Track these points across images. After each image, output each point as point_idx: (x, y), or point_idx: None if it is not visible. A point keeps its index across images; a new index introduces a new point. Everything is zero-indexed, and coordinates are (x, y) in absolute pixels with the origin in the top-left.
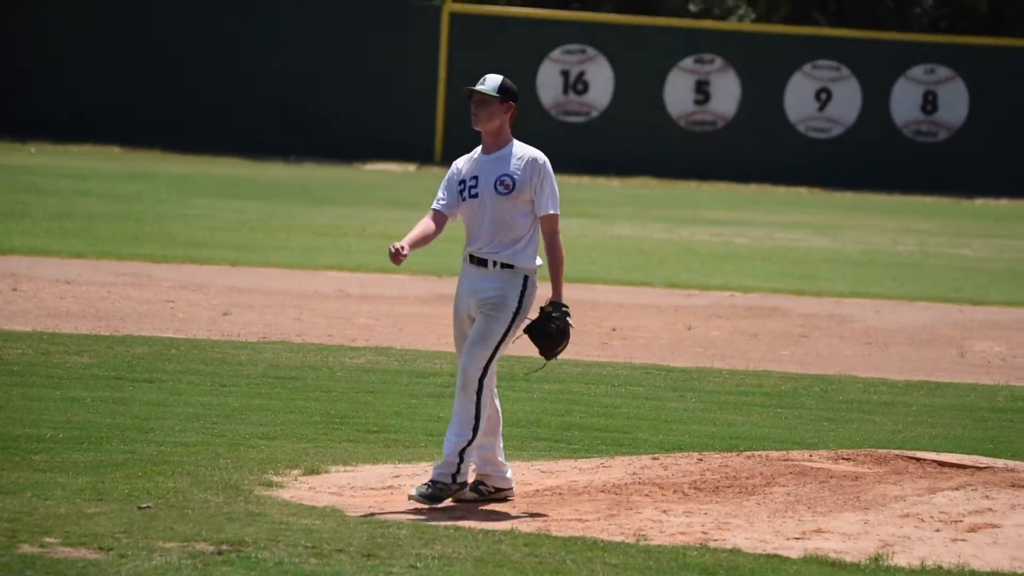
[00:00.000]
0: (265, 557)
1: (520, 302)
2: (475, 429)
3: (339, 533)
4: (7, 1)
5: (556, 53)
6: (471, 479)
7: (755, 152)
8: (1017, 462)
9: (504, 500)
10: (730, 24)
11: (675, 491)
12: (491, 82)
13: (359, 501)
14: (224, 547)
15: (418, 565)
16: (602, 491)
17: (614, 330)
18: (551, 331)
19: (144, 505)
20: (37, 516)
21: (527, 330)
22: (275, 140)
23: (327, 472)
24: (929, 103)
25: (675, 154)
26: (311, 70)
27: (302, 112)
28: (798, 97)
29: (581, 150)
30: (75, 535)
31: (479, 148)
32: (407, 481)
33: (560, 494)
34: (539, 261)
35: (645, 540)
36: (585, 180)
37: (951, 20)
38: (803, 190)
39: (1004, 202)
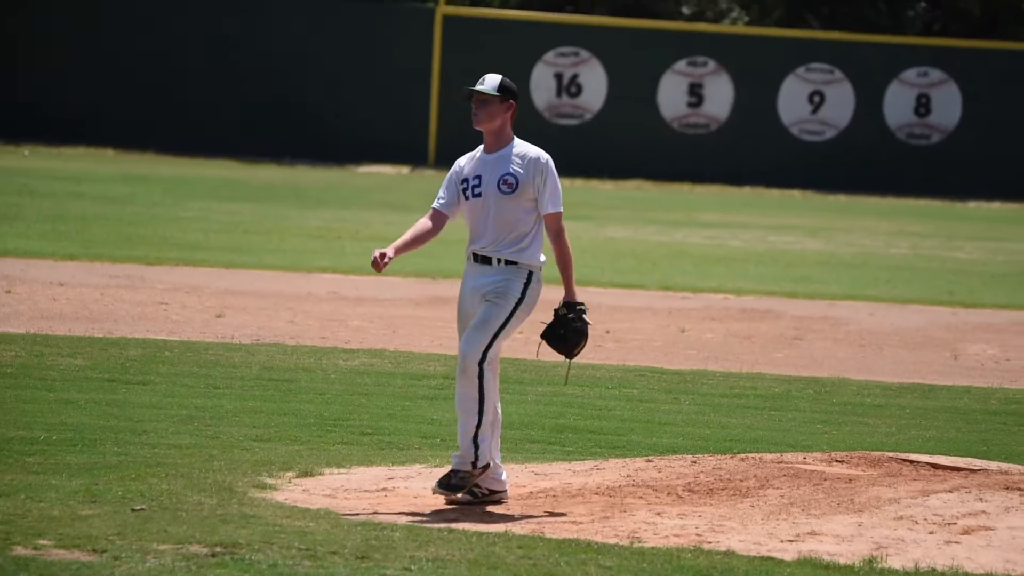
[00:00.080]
0: (259, 559)
1: (523, 293)
2: (480, 412)
3: (333, 535)
4: (3, 3)
5: (550, 55)
6: (485, 462)
7: (748, 155)
8: (1011, 464)
9: (498, 502)
10: (723, 27)
11: (669, 493)
12: (491, 82)
13: (353, 503)
14: (218, 549)
15: (412, 567)
16: (596, 493)
17: (608, 332)
18: (567, 333)
19: (138, 507)
20: (31, 518)
21: (544, 335)
22: (269, 142)
23: (321, 474)
24: (922, 106)
25: (668, 157)
26: (305, 72)
27: (296, 114)
28: (791, 100)
29: (574, 152)
30: (69, 537)
31: (481, 147)
32: (401, 483)
33: (554, 496)
34: (543, 258)
35: (639, 542)
36: (578, 182)
37: (944, 23)
38: (796, 193)
39: (997, 205)
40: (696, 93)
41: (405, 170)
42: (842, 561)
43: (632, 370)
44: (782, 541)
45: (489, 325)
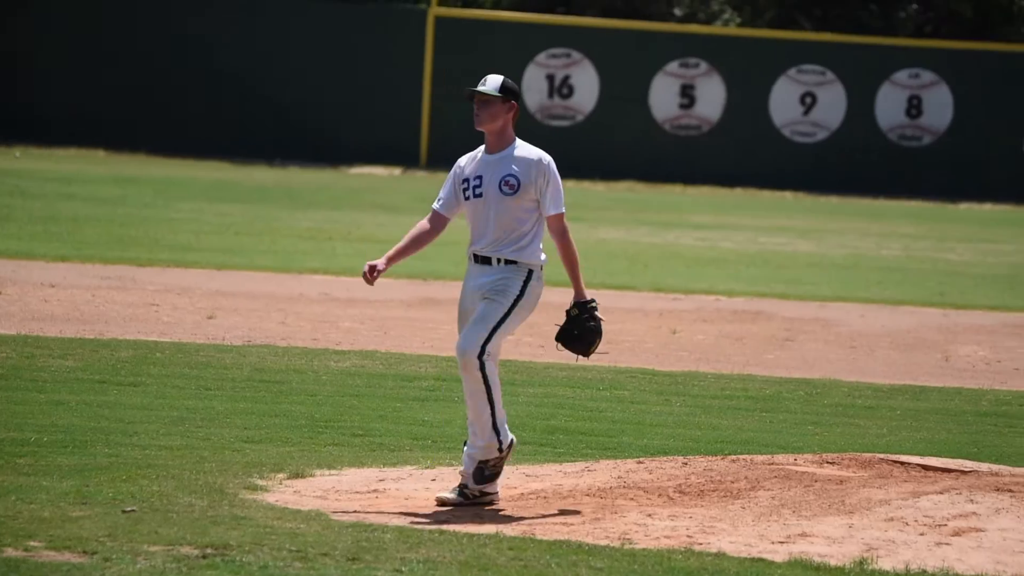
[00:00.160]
0: (250, 561)
1: (523, 290)
2: (491, 400)
3: (324, 537)
4: None
5: (541, 57)
6: (509, 440)
7: (740, 156)
8: (1001, 466)
9: (489, 504)
10: (715, 28)
11: (660, 495)
12: (492, 82)
13: (344, 505)
14: (209, 551)
15: (403, 569)
16: (587, 495)
17: None
18: (582, 333)
19: (129, 509)
20: (21, 520)
21: (558, 337)
22: (260, 144)
23: (312, 476)
24: (914, 107)
25: (660, 158)
26: (297, 74)
27: (287, 116)
28: (783, 101)
29: (566, 154)
30: (59, 539)
31: (482, 148)
32: (392, 485)
33: (545, 498)
34: (544, 256)
35: (630, 544)
36: (570, 184)
37: (936, 25)
38: (788, 194)
39: (988, 206)
40: (688, 94)
41: (397, 171)
42: (833, 562)
43: (623, 371)
44: (773, 542)
45: (487, 320)
